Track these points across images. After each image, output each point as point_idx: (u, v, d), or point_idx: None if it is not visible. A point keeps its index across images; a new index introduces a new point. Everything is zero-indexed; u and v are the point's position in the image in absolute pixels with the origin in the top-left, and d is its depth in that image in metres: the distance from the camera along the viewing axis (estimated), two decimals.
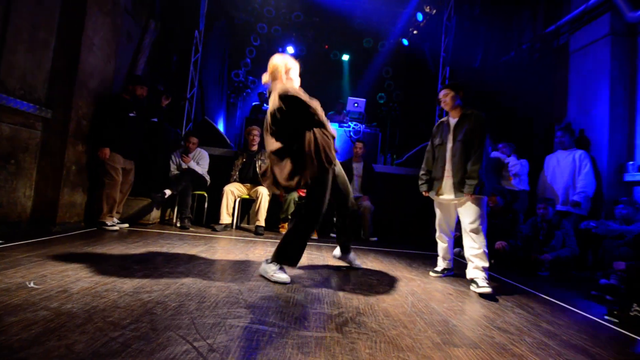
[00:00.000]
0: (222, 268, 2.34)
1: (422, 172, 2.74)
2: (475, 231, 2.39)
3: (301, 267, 2.56)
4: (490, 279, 2.46)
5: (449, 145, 2.52)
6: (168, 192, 3.89)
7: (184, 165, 4.16)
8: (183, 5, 5.35)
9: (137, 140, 3.68)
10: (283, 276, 2.12)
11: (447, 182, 2.52)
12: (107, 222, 3.38)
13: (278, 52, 2.81)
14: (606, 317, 2.06)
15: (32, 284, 1.66)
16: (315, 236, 4.12)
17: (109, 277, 1.89)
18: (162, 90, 4.39)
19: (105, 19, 3.53)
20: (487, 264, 2.39)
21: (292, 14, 7.31)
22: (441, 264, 2.81)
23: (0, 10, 2.63)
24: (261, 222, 4.09)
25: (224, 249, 3.00)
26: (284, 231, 4.43)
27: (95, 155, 3.35)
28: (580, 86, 4.36)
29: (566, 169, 3.84)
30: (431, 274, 2.77)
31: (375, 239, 4.49)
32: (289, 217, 4.39)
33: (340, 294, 2.00)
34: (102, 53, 3.53)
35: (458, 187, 2.43)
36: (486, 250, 2.40)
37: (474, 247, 2.41)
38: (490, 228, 3.62)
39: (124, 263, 2.21)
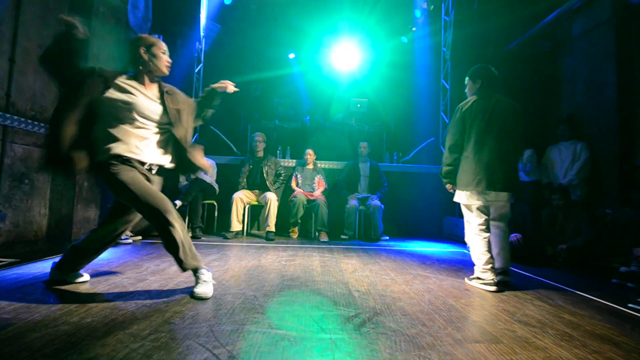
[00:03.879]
0: (236, 275, 2.35)
1: None
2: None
3: (314, 270, 2.55)
4: (508, 273, 2.43)
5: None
6: (179, 203, 3.92)
7: (193, 176, 4.19)
8: (183, 17, 5.44)
9: None
10: None
11: None
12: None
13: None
14: (630, 305, 2.01)
15: (51, 300, 1.68)
16: (325, 239, 4.11)
17: (126, 289, 1.91)
18: None
19: (109, 36, 3.59)
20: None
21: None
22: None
23: (9, 32, 2.70)
24: (271, 227, 4.10)
25: (236, 256, 3.01)
26: (294, 235, 4.43)
27: None
28: (587, 72, 4.29)
29: (566, 159, 3.98)
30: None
31: (386, 237, 4.46)
32: (299, 221, 4.39)
33: (356, 294, 1.99)
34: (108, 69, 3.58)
35: None
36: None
37: None
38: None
39: (140, 275, 2.23)
